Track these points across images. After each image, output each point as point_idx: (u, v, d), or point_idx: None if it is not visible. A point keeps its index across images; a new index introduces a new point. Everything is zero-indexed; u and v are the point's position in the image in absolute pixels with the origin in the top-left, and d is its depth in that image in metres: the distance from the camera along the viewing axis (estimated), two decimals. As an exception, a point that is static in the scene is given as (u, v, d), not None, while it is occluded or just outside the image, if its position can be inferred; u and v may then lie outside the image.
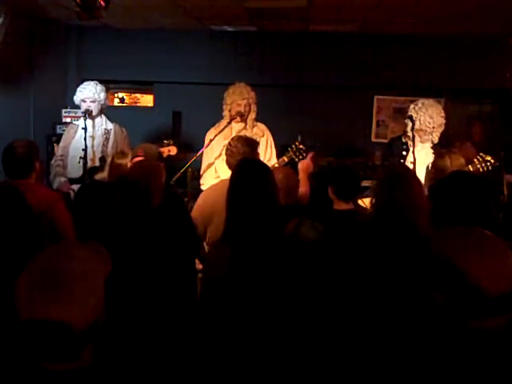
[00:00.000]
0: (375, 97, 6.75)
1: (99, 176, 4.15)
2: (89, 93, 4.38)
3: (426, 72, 6.23)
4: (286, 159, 4.04)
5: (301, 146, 4.00)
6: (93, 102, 4.41)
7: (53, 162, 4.51)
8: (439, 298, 1.37)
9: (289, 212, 2.40)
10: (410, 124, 4.03)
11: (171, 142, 4.28)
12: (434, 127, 4.04)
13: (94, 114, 4.41)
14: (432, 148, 4.11)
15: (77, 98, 4.45)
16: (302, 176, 3.52)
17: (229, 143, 3.38)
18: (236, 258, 2.10)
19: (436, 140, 4.13)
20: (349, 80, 6.46)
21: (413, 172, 2.72)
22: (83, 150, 3.95)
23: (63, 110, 5.96)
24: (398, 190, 2.32)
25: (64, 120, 5.91)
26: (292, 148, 4.02)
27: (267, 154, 4.36)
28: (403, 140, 4.16)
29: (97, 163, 4.34)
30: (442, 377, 1.32)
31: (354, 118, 6.64)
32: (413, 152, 3.90)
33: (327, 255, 1.99)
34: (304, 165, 3.61)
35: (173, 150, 4.22)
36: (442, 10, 4.76)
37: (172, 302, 2.31)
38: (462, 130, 5.92)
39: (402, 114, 6.58)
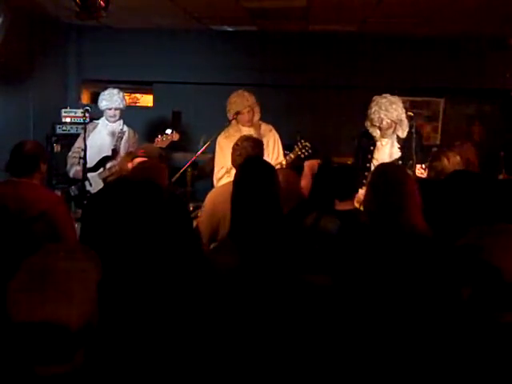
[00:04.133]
0: (375, 97, 6.74)
1: (110, 163, 4.77)
2: (115, 103, 4.93)
3: (426, 72, 6.22)
4: (292, 156, 4.23)
5: (306, 143, 4.18)
6: (117, 109, 4.96)
7: (70, 153, 4.97)
8: (465, 292, 1.39)
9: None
10: (412, 123, 4.03)
11: (173, 130, 4.66)
12: (392, 121, 4.02)
13: (116, 118, 5.00)
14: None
15: (103, 106, 4.95)
16: (306, 171, 3.69)
17: (236, 143, 3.38)
18: (244, 256, 2.10)
19: (404, 135, 4.10)
20: (349, 80, 6.45)
21: (405, 171, 2.68)
22: (82, 150, 4.28)
23: (63, 110, 5.95)
24: (391, 192, 2.30)
25: (64, 120, 5.91)
26: (298, 145, 4.20)
27: (274, 153, 4.47)
28: (371, 134, 4.16)
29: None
30: (472, 371, 1.32)
31: (353, 118, 6.62)
32: (413, 152, 3.89)
33: (338, 249, 2.00)
34: (309, 163, 3.79)
35: (175, 136, 4.61)
36: (442, 9, 4.76)
37: (170, 302, 2.31)
38: (462, 129, 5.92)
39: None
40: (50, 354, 1.20)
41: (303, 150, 4.16)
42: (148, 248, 2.35)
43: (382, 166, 2.85)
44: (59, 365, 1.21)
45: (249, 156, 3.16)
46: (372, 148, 4.14)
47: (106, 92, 4.99)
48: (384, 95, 4.11)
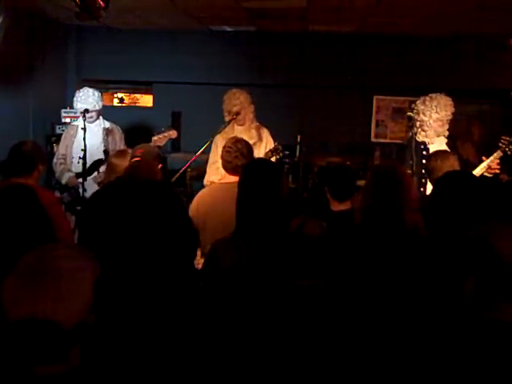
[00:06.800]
0: (374, 97, 6.76)
1: (104, 166, 4.51)
2: (90, 104, 4.69)
3: (426, 72, 6.22)
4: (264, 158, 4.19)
5: (278, 146, 4.14)
6: (93, 110, 4.74)
7: (55, 160, 4.80)
8: (469, 284, 1.41)
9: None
10: (414, 124, 4.00)
11: (170, 127, 4.56)
12: (448, 116, 3.99)
13: (93, 119, 4.78)
14: (447, 144, 4.05)
15: (78, 107, 4.74)
16: None
17: (228, 146, 3.28)
18: (253, 254, 2.09)
19: (447, 132, 4.07)
20: (348, 80, 6.45)
21: (402, 171, 2.67)
22: (82, 150, 4.21)
23: (62, 111, 5.96)
24: (388, 191, 2.30)
25: (63, 120, 5.92)
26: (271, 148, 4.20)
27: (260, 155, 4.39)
28: (418, 140, 4.06)
29: (100, 156, 4.67)
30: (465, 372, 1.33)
31: (353, 118, 6.64)
32: (413, 151, 3.88)
33: (329, 252, 1.99)
34: None
35: (173, 134, 4.50)
36: (442, 9, 4.76)
37: (168, 303, 2.31)
38: (462, 130, 5.91)
39: (401, 114, 6.61)
40: (42, 352, 1.19)
41: (274, 153, 4.11)
42: (146, 247, 2.35)
43: (380, 165, 2.85)
44: (52, 364, 1.21)
45: (244, 157, 3.13)
46: (425, 153, 3.98)
47: (81, 93, 4.77)
48: (430, 95, 4.02)
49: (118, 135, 4.92)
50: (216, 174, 4.33)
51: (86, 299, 1.24)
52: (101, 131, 4.80)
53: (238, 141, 3.31)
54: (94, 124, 4.79)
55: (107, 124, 4.91)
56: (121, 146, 4.84)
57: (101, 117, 4.90)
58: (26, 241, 1.84)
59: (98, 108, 4.79)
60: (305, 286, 1.90)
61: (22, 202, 2.04)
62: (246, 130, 4.41)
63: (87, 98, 4.70)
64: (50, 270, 1.22)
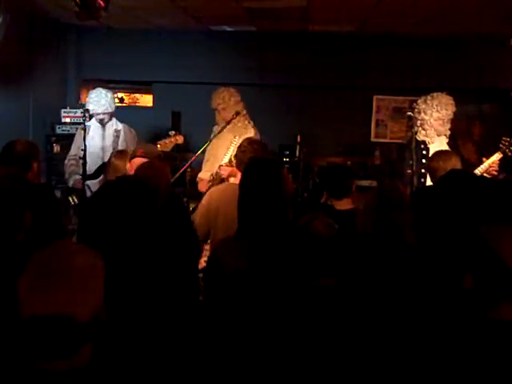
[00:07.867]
0: (374, 96, 6.76)
1: None
2: (102, 107, 4.67)
3: (426, 72, 6.23)
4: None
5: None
6: (105, 114, 4.72)
7: (66, 161, 4.76)
8: (467, 283, 1.41)
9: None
10: (415, 123, 3.99)
11: (177, 132, 4.51)
12: (449, 115, 3.99)
13: (105, 121, 4.76)
14: (448, 144, 4.04)
15: (91, 110, 4.65)
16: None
17: (244, 146, 3.22)
18: (255, 255, 2.09)
19: (448, 132, 4.06)
20: (348, 80, 6.46)
21: (399, 189, 2.63)
22: (82, 150, 4.14)
23: (62, 110, 5.96)
24: (389, 214, 2.29)
25: (63, 120, 5.91)
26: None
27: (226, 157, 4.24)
28: (418, 139, 4.04)
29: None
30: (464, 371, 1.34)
31: (353, 118, 6.64)
32: (413, 151, 3.87)
33: (339, 252, 1.99)
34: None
35: (180, 139, 4.44)
36: (442, 9, 4.76)
37: (173, 303, 2.31)
38: (462, 129, 5.91)
39: (401, 113, 6.60)
40: (56, 347, 1.20)
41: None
42: (147, 248, 2.35)
43: (382, 187, 2.85)
44: (64, 360, 1.21)
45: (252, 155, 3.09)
46: (425, 152, 3.98)
47: (93, 94, 4.72)
48: (431, 94, 4.01)
49: (130, 136, 4.82)
50: (208, 170, 4.36)
51: (98, 295, 1.25)
52: (111, 133, 4.74)
53: (253, 141, 3.27)
54: (106, 126, 4.74)
55: (120, 125, 4.83)
56: (132, 147, 4.65)
57: (114, 118, 4.83)
58: (48, 237, 1.85)
59: (110, 110, 4.72)
60: (318, 287, 1.90)
61: (50, 200, 2.05)
62: (231, 129, 4.35)
63: (100, 100, 4.65)
64: (64, 264, 1.23)
